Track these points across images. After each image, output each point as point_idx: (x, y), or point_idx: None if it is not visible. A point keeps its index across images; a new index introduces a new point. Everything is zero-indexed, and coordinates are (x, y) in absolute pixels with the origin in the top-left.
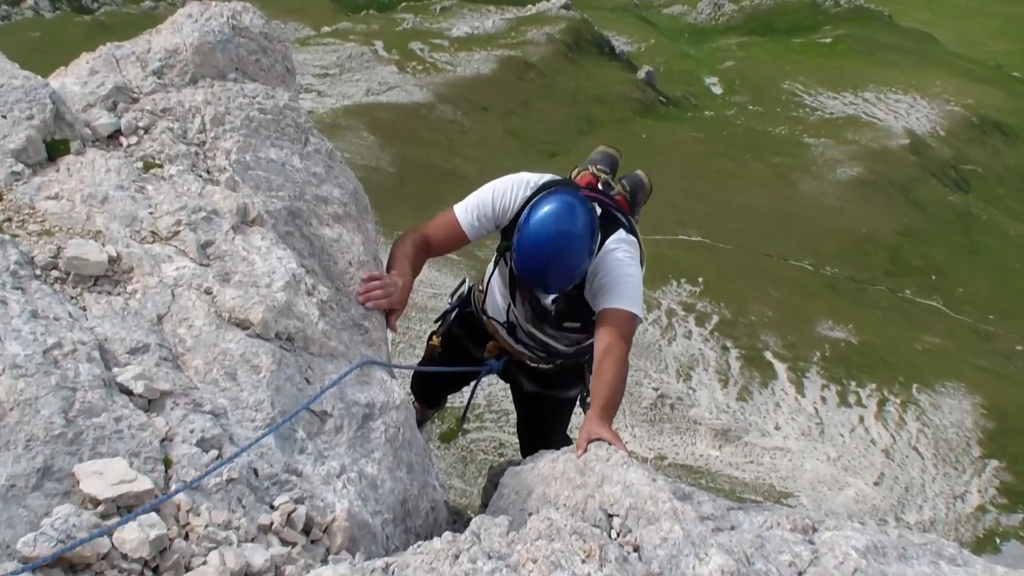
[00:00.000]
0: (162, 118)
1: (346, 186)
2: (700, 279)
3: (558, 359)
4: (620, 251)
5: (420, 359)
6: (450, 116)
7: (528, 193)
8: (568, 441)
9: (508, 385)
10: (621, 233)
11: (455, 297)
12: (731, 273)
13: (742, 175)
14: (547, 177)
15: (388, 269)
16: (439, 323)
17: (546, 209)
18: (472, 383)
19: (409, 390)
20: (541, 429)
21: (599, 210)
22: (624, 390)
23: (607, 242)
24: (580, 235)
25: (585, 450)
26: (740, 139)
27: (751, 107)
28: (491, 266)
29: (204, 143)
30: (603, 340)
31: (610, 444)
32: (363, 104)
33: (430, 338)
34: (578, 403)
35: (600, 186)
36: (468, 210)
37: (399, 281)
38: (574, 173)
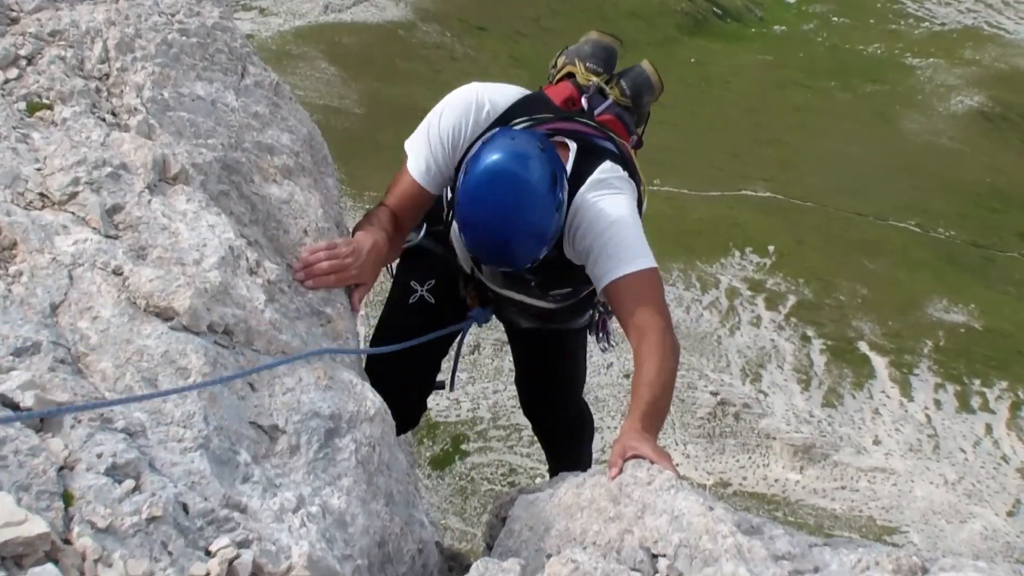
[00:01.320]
0: (51, 44)
1: (298, 130)
2: (771, 248)
3: (551, 316)
4: (599, 194)
5: (373, 336)
6: (436, 39)
7: (484, 123)
8: (578, 386)
9: (517, 394)
10: (605, 166)
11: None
12: (812, 240)
13: (825, 111)
14: (504, 97)
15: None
16: (405, 245)
17: (487, 163)
18: (456, 341)
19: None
20: (546, 374)
21: (572, 146)
22: (672, 385)
23: (585, 184)
24: (536, 193)
25: (620, 470)
26: (822, 62)
27: (836, 19)
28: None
29: (108, 76)
30: (630, 322)
31: (652, 463)
32: (320, 24)
33: (395, 302)
34: (590, 334)
35: (585, 101)
36: (416, 156)
37: (363, 244)
38: (554, 75)
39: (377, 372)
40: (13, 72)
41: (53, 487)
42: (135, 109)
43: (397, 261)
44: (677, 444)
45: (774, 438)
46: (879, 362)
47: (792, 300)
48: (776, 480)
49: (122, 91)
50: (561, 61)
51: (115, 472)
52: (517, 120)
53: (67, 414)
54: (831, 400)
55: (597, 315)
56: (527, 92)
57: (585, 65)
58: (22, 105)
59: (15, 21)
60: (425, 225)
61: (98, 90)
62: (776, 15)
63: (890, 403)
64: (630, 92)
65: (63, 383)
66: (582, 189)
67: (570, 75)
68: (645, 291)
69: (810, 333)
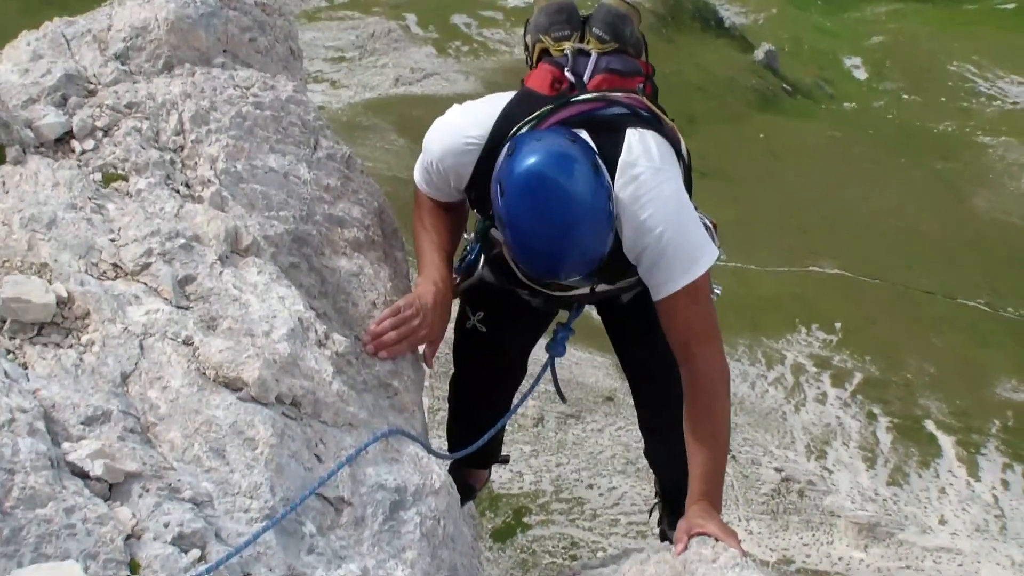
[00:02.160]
0: (127, 116)
1: (368, 204)
2: (837, 325)
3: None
4: (638, 191)
5: (452, 383)
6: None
7: (477, 150)
8: None
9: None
10: (630, 141)
11: (471, 236)
12: (879, 317)
13: (894, 187)
14: (485, 117)
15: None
16: (462, 286)
17: (523, 172)
18: (545, 364)
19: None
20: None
21: (583, 133)
22: (728, 432)
23: (617, 172)
24: (583, 195)
25: (686, 546)
26: (891, 139)
27: (906, 96)
28: (474, 243)
29: (182, 148)
30: (678, 342)
31: (717, 540)
32: (390, 97)
33: (459, 327)
34: None
35: (570, 73)
36: (423, 180)
37: (428, 298)
38: (529, 58)
39: (462, 404)
40: (89, 143)
41: (120, 556)
42: (208, 181)
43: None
44: (740, 520)
45: (838, 516)
46: (946, 441)
47: (858, 377)
48: (840, 558)
49: (196, 163)
50: (529, 40)
51: (181, 541)
52: (516, 128)
53: None
54: (896, 479)
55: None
56: (509, 96)
57: (551, 36)
58: (98, 176)
59: (93, 93)
60: (482, 254)
61: (172, 162)
62: (846, 92)
63: (957, 483)
64: (608, 34)
65: (132, 452)
66: (617, 185)
67: (545, 51)
68: (703, 295)
69: (876, 411)
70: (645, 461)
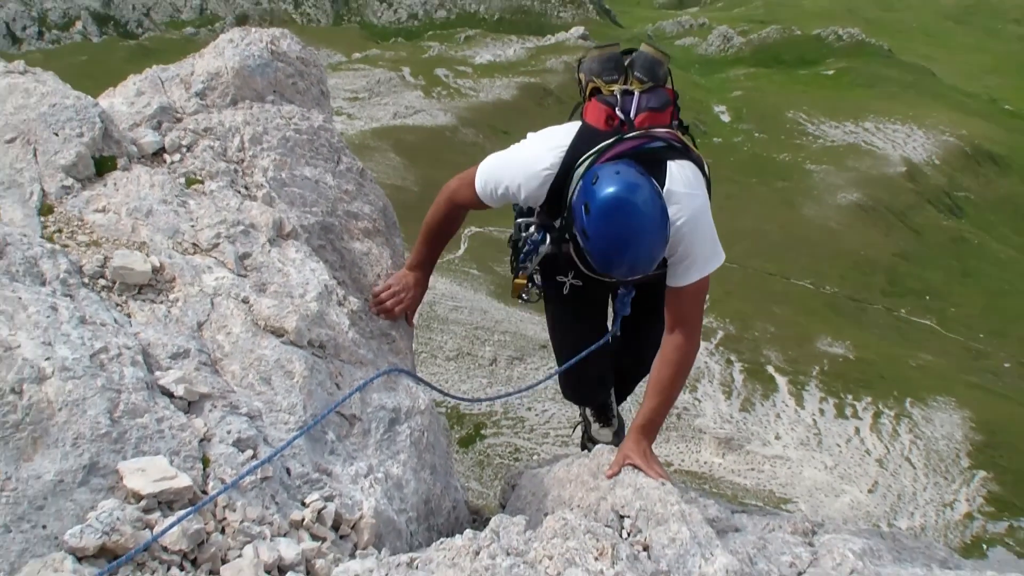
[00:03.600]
0: (204, 137)
1: (375, 203)
2: (707, 297)
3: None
4: (679, 207)
5: (554, 330)
6: (472, 139)
7: (551, 177)
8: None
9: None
10: (672, 171)
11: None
12: (736, 291)
13: (747, 199)
14: (558, 150)
15: (416, 246)
16: (523, 275)
17: (607, 197)
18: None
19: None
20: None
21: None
22: (679, 391)
23: (668, 181)
24: (653, 215)
25: (616, 472)
26: (746, 165)
27: (757, 134)
28: (534, 235)
29: (243, 161)
30: (672, 314)
31: (643, 471)
32: (390, 127)
33: (552, 294)
34: None
35: (620, 112)
36: (486, 185)
37: (410, 279)
38: (583, 91)
39: (573, 352)
40: (176, 156)
41: (195, 453)
42: (261, 185)
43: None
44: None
45: (704, 432)
46: (781, 380)
47: (720, 334)
48: (705, 463)
49: (252, 172)
50: (582, 78)
51: (239, 444)
52: (582, 159)
53: None
54: (746, 407)
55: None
56: (570, 130)
57: (603, 79)
58: (182, 180)
59: (179, 120)
60: (548, 237)
61: (235, 171)
62: (716, 130)
63: (787, 410)
64: (646, 76)
65: (204, 379)
66: (667, 189)
67: (596, 90)
68: (701, 294)
69: (732, 358)
70: None
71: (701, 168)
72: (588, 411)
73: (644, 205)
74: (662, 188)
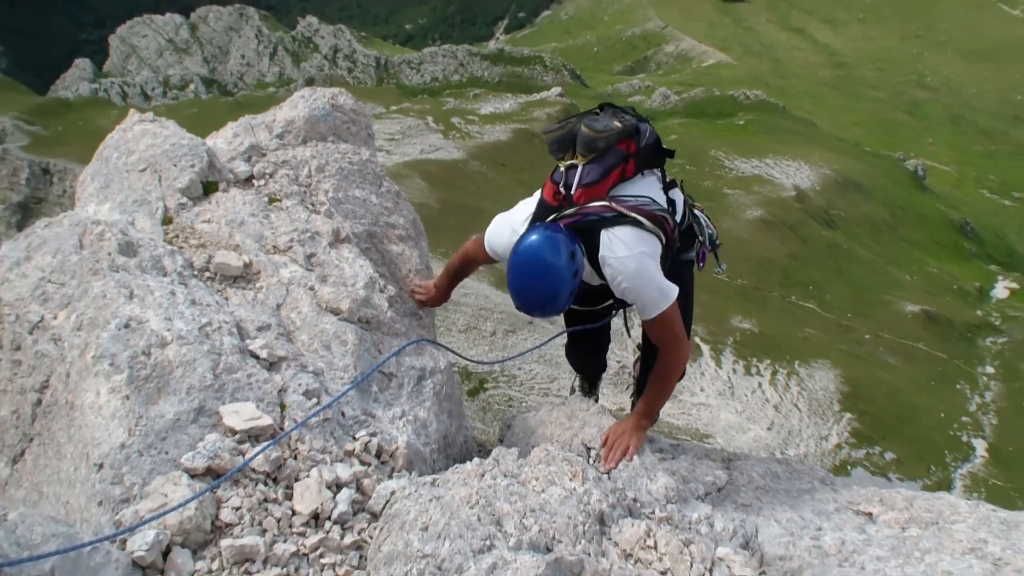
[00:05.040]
0: (282, 167)
1: (408, 216)
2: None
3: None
4: (614, 256)
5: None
6: (478, 169)
7: (514, 239)
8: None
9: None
10: (604, 239)
11: None
12: None
13: None
14: (523, 219)
15: (441, 276)
16: None
17: (524, 246)
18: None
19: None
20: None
21: (569, 240)
22: (669, 386)
23: (600, 252)
24: (556, 267)
25: (604, 443)
26: None
27: (688, 167)
28: None
29: (310, 185)
30: (658, 340)
31: (626, 454)
32: (417, 160)
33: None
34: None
35: (563, 188)
36: (489, 246)
37: (433, 290)
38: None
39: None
40: (262, 181)
41: (275, 400)
42: (323, 203)
43: None
44: (603, 385)
45: None
46: (705, 348)
47: None
48: None
49: (317, 193)
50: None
51: (307, 394)
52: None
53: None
54: None
55: (700, 247)
56: (534, 204)
57: (555, 156)
58: (265, 199)
59: (264, 155)
60: None
61: (305, 192)
62: None
63: (709, 370)
64: (586, 151)
65: (282, 346)
66: (602, 266)
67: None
68: (668, 323)
69: None
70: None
71: (640, 224)
72: (580, 379)
73: (549, 256)
74: (596, 255)
